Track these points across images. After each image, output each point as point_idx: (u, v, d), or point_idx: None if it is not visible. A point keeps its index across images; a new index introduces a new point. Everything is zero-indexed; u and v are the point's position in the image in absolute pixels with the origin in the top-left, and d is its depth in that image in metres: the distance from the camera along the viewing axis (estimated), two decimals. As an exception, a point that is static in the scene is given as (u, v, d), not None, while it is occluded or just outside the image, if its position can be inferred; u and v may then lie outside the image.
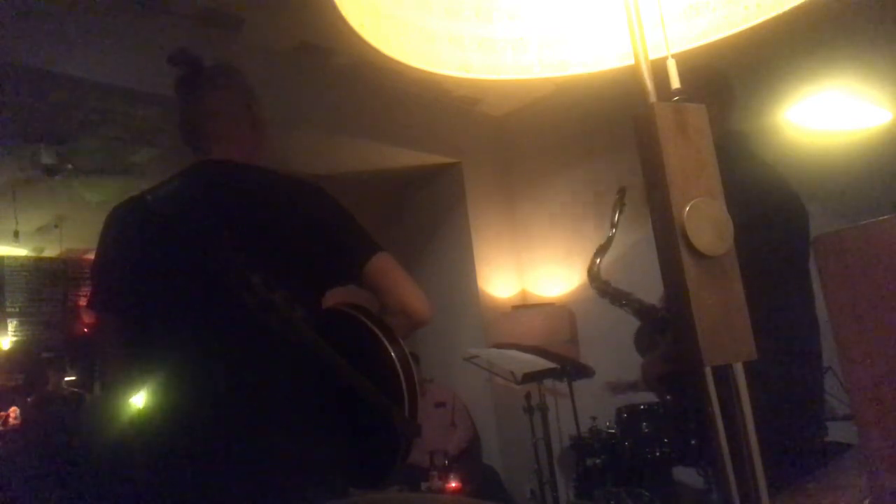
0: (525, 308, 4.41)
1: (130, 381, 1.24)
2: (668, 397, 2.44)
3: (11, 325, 5.22)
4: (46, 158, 4.13)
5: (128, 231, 1.28)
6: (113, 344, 1.27)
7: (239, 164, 1.34)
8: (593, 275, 0.69)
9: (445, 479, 3.43)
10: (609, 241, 0.67)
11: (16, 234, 5.23)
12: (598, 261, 0.68)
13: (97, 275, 1.31)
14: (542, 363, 2.94)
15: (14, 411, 4.46)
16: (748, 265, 1.43)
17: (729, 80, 1.73)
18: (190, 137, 1.38)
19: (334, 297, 1.35)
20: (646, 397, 3.22)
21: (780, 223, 1.54)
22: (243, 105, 1.41)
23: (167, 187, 1.31)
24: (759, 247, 1.42)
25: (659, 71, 0.69)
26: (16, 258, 5.39)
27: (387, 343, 1.20)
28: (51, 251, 6.06)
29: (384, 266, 1.31)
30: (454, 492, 3.35)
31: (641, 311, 0.69)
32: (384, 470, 1.24)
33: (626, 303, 0.67)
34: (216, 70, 1.41)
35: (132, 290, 1.23)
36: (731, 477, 0.60)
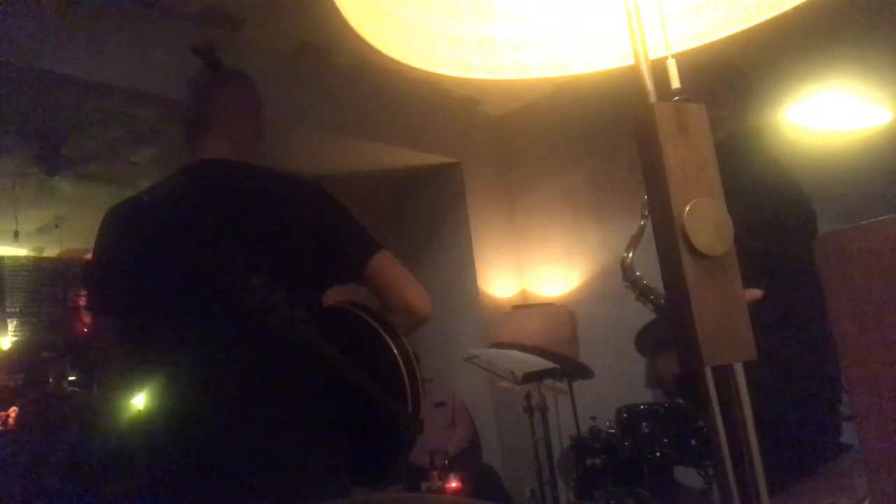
0: (525, 308, 4.41)
1: (129, 382, 1.23)
2: (681, 401, 2.43)
3: (11, 325, 5.22)
4: (47, 158, 4.13)
5: (124, 232, 1.27)
6: (111, 346, 1.26)
7: (237, 162, 1.33)
8: (626, 267, 0.69)
9: (445, 479, 3.43)
10: (641, 231, 0.67)
11: (16, 234, 5.23)
12: (630, 254, 0.68)
13: (94, 277, 1.31)
14: (542, 363, 2.94)
15: (14, 411, 4.45)
16: (776, 258, 1.42)
17: (745, 77, 1.73)
18: (193, 133, 1.37)
19: (334, 296, 1.35)
20: (646, 397, 3.22)
21: (791, 218, 1.54)
22: (254, 109, 1.42)
23: (164, 187, 1.30)
24: (772, 241, 1.43)
25: (659, 71, 0.69)
26: (16, 258, 5.39)
27: (389, 340, 1.20)
28: (51, 251, 6.06)
29: (385, 264, 1.31)
30: (454, 492, 3.35)
31: (664, 308, 0.69)
32: (388, 466, 1.24)
33: (652, 298, 0.67)
34: (234, 71, 1.42)
35: (130, 292, 1.23)
36: (731, 477, 0.60)
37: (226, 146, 1.34)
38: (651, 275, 0.74)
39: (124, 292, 1.24)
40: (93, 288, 1.31)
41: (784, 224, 1.47)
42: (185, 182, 1.30)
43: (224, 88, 1.39)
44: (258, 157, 1.39)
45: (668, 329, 0.65)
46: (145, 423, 1.22)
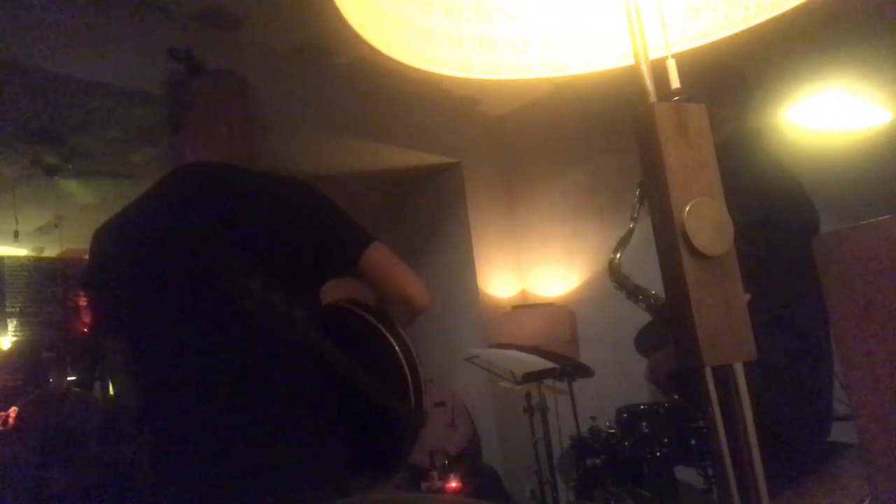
0: (525, 308, 4.41)
1: (134, 391, 1.24)
2: (676, 396, 2.44)
3: (11, 325, 5.22)
4: (46, 158, 4.13)
5: (114, 251, 1.27)
6: (119, 362, 1.27)
7: (219, 165, 1.32)
8: (614, 268, 0.69)
9: (445, 479, 3.43)
10: (629, 233, 0.68)
11: (16, 234, 5.23)
12: (618, 254, 0.69)
13: (92, 297, 1.32)
14: (542, 363, 2.94)
15: (14, 411, 4.44)
16: (763, 262, 1.42)
17: (745, 78, 1.73)
18: (172, 135, 1.36)
19: (333, 292, 1.35)
20: (646, 397, 3.22)
21: (792, 219, 1.54)
22: (229, 107, 1.38)
23: (148, 198, 1.30)
24: (771, 243, 1.43)
25: (659, 71, 0.69)
26: (16, 258, 5.38)
27: (389, 336, 1.21)
28: (51, 251, 6.06)
29: (379, 256, 1.30)
30: (454, 492, 3.35)
31: (656, 307, 0.69)
32: (391, 461, 1.25)
33: (642, 298, 0.67)
34: (208, 70, 1.40)
35: (127, 308, 1.23)
36: (731, 477, 0.60)
37: (202, 148, 1.33)
38: (651, 275, 0.74)
39: (121, 309, 1.24)
40: (93, 308, 1.32)
41: (777, 226, 1.47)
42: (171, 189, 1.30)
43: (194, 89, 1.37)
44: (242, 156, 1.37)
45: (663, 327, 0.65)
46: (150, 427, 1.22)
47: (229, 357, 1.17)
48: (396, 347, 1.20)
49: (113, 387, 1.34)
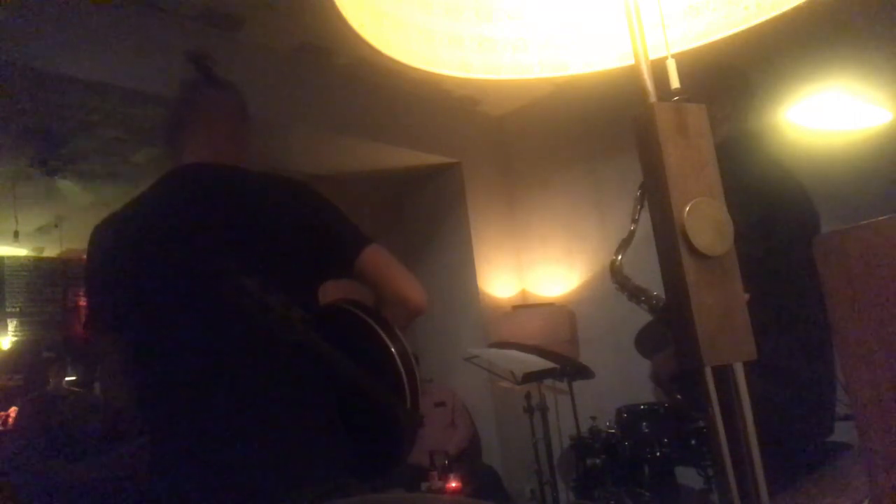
0: (525, 308, 4.42)
1: (131, 392, 1.24)
2: (679, 397, 2.44)
3: (11, 325, 5.22)
4: (46, 158, 4.13)
5: (112, 249, 1.27)
6: (116, 362, 1.27)
7: (221, 165, 1.33)
8: (615, 269, 0.70)
9: (445, 479, 3.43)
10: (630, 235, 0.68)
11: (16, 234, 5.23)
12: (619, 256, 0.70)
13: (88, 298, 1.32)
14: (542, 363, 2.94)
15: (14, 411, 4.44)
16: (761, 263, 1.41)
17: (747, 78, 1.73)
18: (175, 136, 1.37)
19: (334, 292, 1.35)
20: (646, 397, 3.23)
21: (792, 219, 1.54)
22: (239, 118, 1.41)
23: (149, 196, 1.30)
24: (771, 245, 1.43)
25: (659, 71, 0.69)
26: (16, 258, 5.38)
27: (385, 338, 1.21)
28: (51, 251, 6.07)
29: (376, 258, 1.31)
30: (454, 492, 3.35)
31: (658, 308, 0.69)
32: (389, 462, 1.25)
33: (643, 299, 0.68)
34: (223, 80, 1.42)
35: (124, 307, 1.23)
36: (731, 477, 0.60)
37: (209, 151, 1.34)
38: (651, 275, 0.74)
39: (119, 309, 1.24)
40: (88, 308, 1.32)
41: (777, 226, 1.47)
42: (170, 188, 1.30)
43: (213, 94, 1.39)
44: (240, 159, 1.39)
45: (664, 328, 0.65)
46: (146, 425, 1.22)
47: (227, 357, 1.17)
48: (393, 349, 1.20)
49: (112, 387, 1.34)
